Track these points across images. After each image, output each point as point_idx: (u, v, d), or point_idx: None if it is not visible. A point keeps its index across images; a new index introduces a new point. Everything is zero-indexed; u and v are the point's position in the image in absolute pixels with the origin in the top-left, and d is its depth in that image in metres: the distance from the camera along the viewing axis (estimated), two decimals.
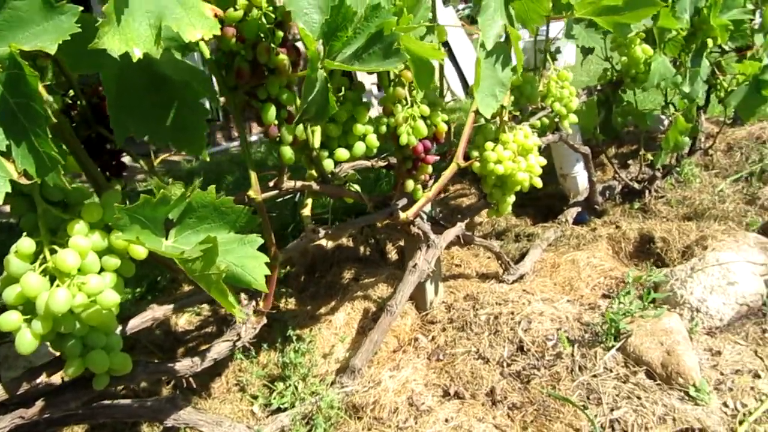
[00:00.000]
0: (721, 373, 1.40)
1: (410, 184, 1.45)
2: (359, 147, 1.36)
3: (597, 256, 2.09)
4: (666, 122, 3.34)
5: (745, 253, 1.78)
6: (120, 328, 1.13)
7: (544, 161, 1.63)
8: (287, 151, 1.14)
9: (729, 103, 2.55)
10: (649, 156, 2.73)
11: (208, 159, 1.02)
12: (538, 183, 1.61)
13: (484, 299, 1.82)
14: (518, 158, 1.58)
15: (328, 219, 2.56)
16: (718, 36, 2.25)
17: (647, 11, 1.49)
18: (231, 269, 0.95)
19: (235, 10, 0.95)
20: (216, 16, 0.85)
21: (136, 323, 1.18)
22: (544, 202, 2.82)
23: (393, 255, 2.37)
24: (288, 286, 2.15)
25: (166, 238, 0.95)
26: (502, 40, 1.37)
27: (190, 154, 1.02)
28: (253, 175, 1.13)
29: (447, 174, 1.57)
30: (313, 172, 1.40)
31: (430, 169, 1.45)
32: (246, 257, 0.97)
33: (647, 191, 2.70)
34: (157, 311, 1.21)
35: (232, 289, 0.96)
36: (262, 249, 1.02)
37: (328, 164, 1.37)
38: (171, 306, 1.23)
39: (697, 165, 2.88)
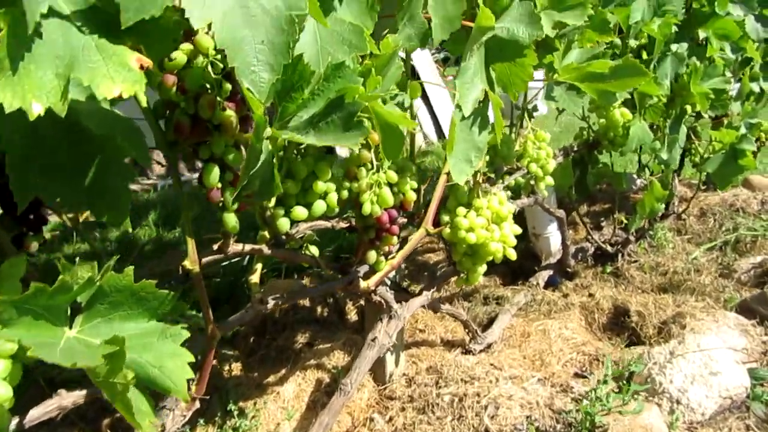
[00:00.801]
0: None
1: (372, 255, 1.30)
2: (319, 206, 1.22)
3: (569, 327, 1.97)
4: (639, 182, 3.29)
5: (725, 335, 1.68)
6: (17, 420, 0.95)
7: (519, 230, 1.51)
8: (231, 219, 0.98)
9: (705, 169, 2.49)
10: (623, 218, 2.66)
11: (130, 229, 0.86)
12: (512, 255, 1.49)
13: (449, 374, 1.66)
14: (492, 226, 1.45)
15: (281, 270, 2.40)
16: (697, 103, 2.20)
17: (634, 81, 1.40)
18: (146, 371, 0.78)
19: (171, 60, 0.80)
20: (142, 67, 0.70)
21: (38, 413, 0.99)
22: (514, 261, 2.70)
23: (353, 316, 2.20)
24: (235, 347, 1.95)
25: (71, 327, 0.78)
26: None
27: (109, 223, 0.86)
28: (190, 243, 0.97)
29: (414, 240, 1.44)
30: (266, 233, 1.25)
31: (395, 240, 1.31)
32: (166, 355, 0.80)
33: (620, 255, 2.61)
34: (65, 399, 1.01)
35: (147, 396, 0.79)
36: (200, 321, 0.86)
37: (284, 224, 1.22)
38: (83, 392, 1.04)
39: (670, 229, 2.81)
